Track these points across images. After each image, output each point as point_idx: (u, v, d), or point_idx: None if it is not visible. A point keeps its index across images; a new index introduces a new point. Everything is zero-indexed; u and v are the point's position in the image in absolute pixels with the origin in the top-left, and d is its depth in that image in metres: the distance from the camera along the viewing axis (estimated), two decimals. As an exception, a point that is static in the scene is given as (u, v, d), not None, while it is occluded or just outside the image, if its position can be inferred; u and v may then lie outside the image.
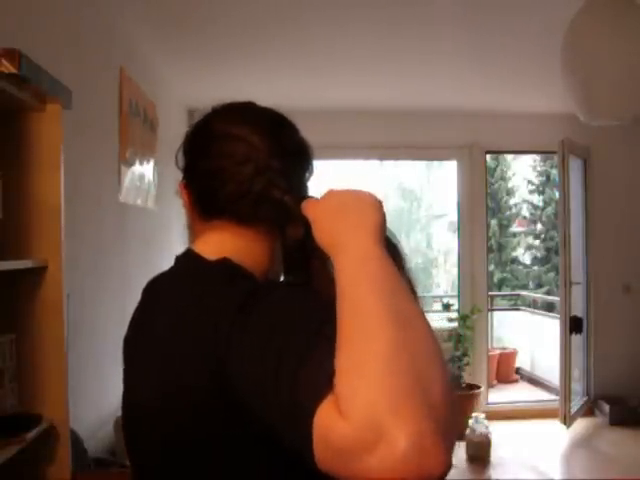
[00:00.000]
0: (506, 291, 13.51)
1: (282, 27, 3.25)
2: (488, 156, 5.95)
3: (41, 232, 1.68)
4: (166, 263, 0.91)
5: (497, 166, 13.82)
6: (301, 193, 0.87)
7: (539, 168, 14.15)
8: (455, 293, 6.40)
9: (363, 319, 0.58)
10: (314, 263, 0.80)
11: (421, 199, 14.89)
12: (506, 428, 4.90)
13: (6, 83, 1.46)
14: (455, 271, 6.63)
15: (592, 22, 2.36)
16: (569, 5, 2.40)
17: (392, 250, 0.73)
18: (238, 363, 0.67)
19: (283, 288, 0.83)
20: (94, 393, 2.59)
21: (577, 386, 5.11)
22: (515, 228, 14.63)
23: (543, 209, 14.26)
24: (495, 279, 13.52)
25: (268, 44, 3.51)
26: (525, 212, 14.72)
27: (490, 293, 6.80)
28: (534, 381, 6.91)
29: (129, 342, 0.89)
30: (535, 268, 14.47)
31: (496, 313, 7.89)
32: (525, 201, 14.59)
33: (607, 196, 5.24)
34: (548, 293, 12.69)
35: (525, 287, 13.75)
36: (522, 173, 14.27)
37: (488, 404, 5.29)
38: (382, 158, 6.37)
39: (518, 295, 11.49)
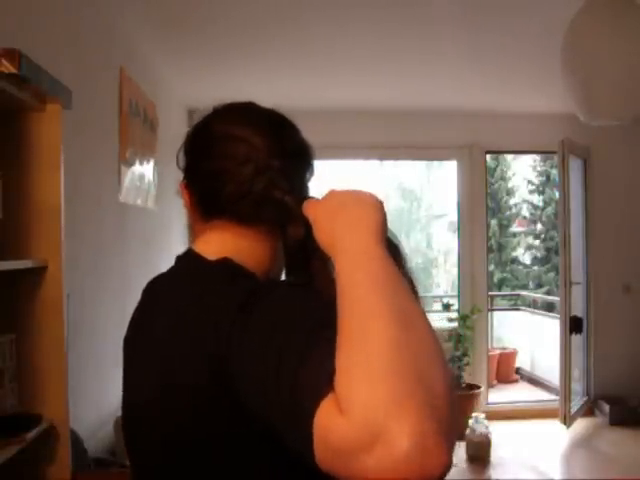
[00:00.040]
0: (506, 291, 13.51)
1: (282, 27, 3.25)
2: (488, 156, 5.95)
3: (41, 232, 1.68)
4: (166, 263, 0.91)
5: (497, 166, 13.82)
6: (302, 193, 0.87)
7: (539, 168, 14.16)
8: (455, 293, 6.40)
9: (364, 319, 0.58)
10: (315, 263, 0.80)
11: (421, 199, 14.89)
12: (506, 428, 4.90)
13: (6, 83, 1.46)
14: (455, 271, 6.63)
15: (592, 22, 2.36)
16: (569, 5, 2.40)
17: (393, 251, 0.73)
18: (239, 362, 0.67)
19: (284, 287, 0.82)
20: (94, 393, 2.59)
21: (577, 386, 5.11)
22: (515, 228, 14.63)
23: (543, 209, 14.26)
24: (495, 279, 13.52)
25: (268, 44, 3.51)
26: (525, 212, 14.72)
27: (490, 293, 6.80)
28: (534, 381, 6.91)
29: (128, 342, 0.89)
30: (535, 268, 14.48)
31: (496, 313, 7.89)
32: (525, 201, 14.59)
33: (607, 196, 5.24)
34: (548, 293, 12.69)
35: (525, 287, 13.75)
36: (522, 173, 14.27)
37: (488, 404, 5.30)
38: (382, 158, 6.37)
39: (518, 295, 11.49)
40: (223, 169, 0.85)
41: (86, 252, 2.48)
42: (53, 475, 1.68)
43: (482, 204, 5.45)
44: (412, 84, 4.44)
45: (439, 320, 5.30)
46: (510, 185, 14.42)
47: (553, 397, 5.56)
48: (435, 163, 11.84)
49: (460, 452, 4.33)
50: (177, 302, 0.80)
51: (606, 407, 5.03)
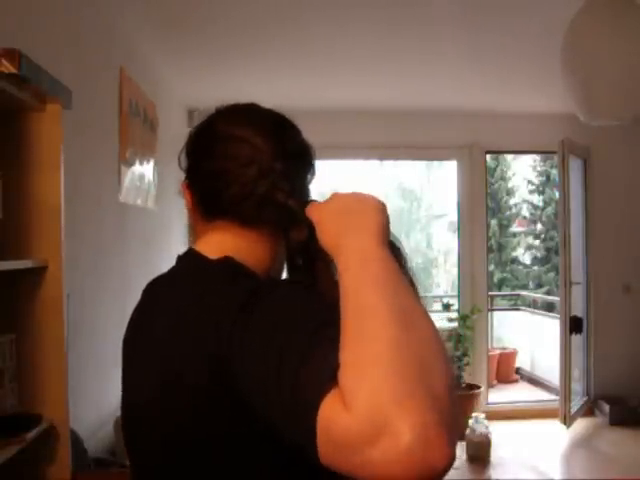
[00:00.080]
0: (506, 291, 13.50)
1: (282, 27, 3.25)
2: (488, 156, 5.95)
3: (41, 232, 1.68)
4: (166, 263, 0.91)
5: (497, 166, 13.82)
6: (303, 195, 0.88)
7: (539, 168, 14.15)
8: (455, 293, 6.40)
9: (366, 319, 0.58)
10: (318, 265, 0.81)
11: (421, 199, 14.88)
12: (506, 428, 4.89)
13: (6, 83, 1.46)
14: (455, 271, 6.63)
15: (592, 22, 2.36)
16: (569, 5, 2.40)
17: (395, 252, 0.73)
18: (240, 362, 0.67)
19: (285, 286, 0.83)
20: (94, 393, 2.59)
21: (577, 386, 5.11)
22: (515, 228, 14.63)
23: (543, 209, 14.25)
24: (495, 279, 13.52)
25: (268, 44, 3.51)
26: (525, 212, 14.72)
27: (490, 293, 6.81)
28: (534, 381, 6.91)
29: (128, 343, 0.90)
30: (535, 268, 14.47)
31: (496, 313, 7.89)
32: (525, 201, 14.58)
33: (607, 196, 5.24)
34: (548, 293, 12.69)
35: (525, 287, 13.75)
36: (522, 173, 14.26)
37: (488, 404, 5.29)
38: (382, 158, 6.37)
39: (518, 295, 11.49)
40: (225, 170, 0.86)
41: (86, 252, 2.48)
42: (53, 475, 1.68)
43: (482, 204, 5.45)
44: (412, 84, 4.44)
45: (439, 320, 5.30)
46: (510, 185, 14.42)
47: (553, 397, 5.56)
48: (435, 163, 11.83)
49: (460, 452, 4.33)
50: (178, 302, 0.80)
51: (606, 407, 5.03)
